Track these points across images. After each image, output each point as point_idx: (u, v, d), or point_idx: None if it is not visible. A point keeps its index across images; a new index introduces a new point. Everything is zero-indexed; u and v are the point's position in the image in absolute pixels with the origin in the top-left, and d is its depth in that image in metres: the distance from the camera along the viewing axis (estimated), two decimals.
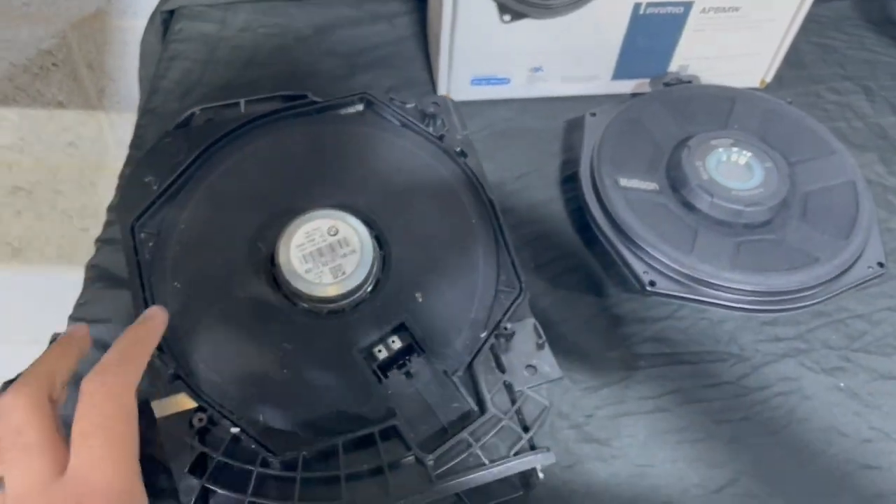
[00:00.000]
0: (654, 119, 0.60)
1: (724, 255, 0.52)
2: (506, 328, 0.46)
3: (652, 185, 0.56)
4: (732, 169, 0.56)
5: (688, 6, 0.62)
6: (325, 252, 0.46)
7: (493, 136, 0.67)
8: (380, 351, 0.46)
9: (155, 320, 0.42)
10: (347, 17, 0.75)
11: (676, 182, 0.56)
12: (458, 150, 0.52)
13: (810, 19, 0.79)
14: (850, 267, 0.53)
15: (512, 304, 0.47)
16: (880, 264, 0.53)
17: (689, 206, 0.55)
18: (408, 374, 0.46)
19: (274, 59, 0.71)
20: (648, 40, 0.65)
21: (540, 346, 0.46)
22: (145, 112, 0.66)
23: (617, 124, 0.60)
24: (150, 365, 0.42)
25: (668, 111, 0.61)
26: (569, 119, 0.67)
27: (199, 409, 0.43)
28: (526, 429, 0.44)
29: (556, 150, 0.66)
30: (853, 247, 0.53)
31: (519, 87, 0.68)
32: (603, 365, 0.53)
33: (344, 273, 0.46)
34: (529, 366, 0.46)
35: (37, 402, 0.35)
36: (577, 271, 0.58)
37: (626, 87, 0.69)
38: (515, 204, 0.61)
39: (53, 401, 0.37)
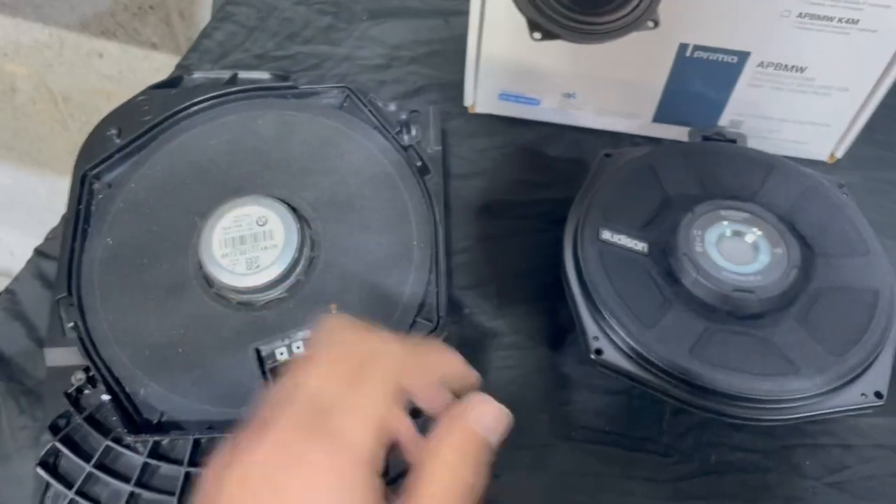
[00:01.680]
0: (673, 173, 0.54)
1: (687, 340, 0.46)
2: None
3: (640, 245, 0.51)
4: (736, 247, 0.50)
5: (743, 56, 0.55)
6: (247, 241, 0.45)
7: (508, 156, 0.63)
8: (282, 353, 0.45)
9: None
10: (407, 7, 0.73)
11: (666, 247, 0.50)
12: (419, 164, 0.49)
13: None
14: (838, 388, 0.45)
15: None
16: (878, 394, 0.45)
17: (672, 278, 0.49)
18: None
19: (318, 38, 0.70)
20: (697, 86, 0.58)
21: None
22: (178, 68, 0.67)
23: (628, 170, 0.55)
24: (55, 311, 0.43)
25: (691, 167, 0.55)
26: (597, 155, 0.62)
27: (87, 367, 0.43)
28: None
29: (567, 185, 0.61)
30: (846, 366, 0.45)
31: (549, 111, 0.63)
32: (530, 424, 0.48)
33: (258, 266, 0.44)
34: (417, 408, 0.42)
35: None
36: (540, 317, 0.53)
37: (670, 132, 0.62)
38: (499, 233, 0.57)
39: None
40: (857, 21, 0.52)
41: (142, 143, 0.49)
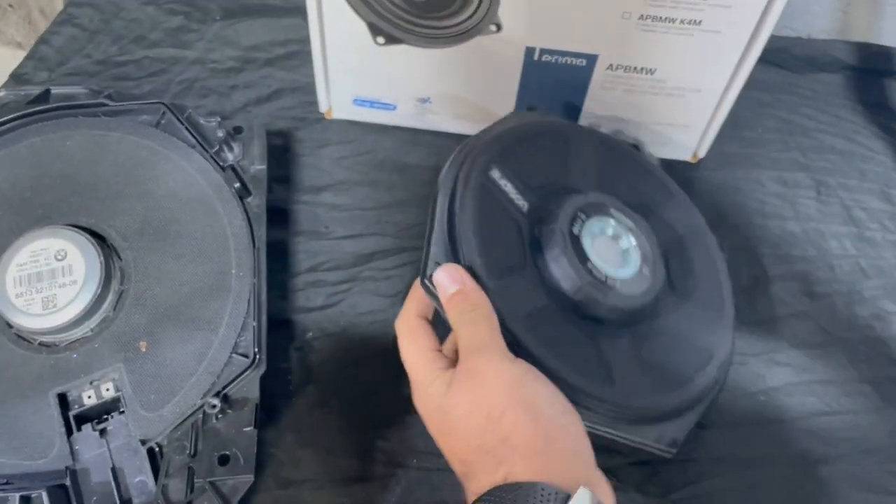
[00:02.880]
0: (584, 152, 0.50)
1: (524, 307, 0.42)
2: (214, 405, 0.40)
3: (522, 203, 0.45)
4: (608, 247, 0.45)
5: (591, 59, 0.54)
6: (44, 277, 0.42)
7: (365, 164, 0.60)
8: (90, 397, 0.42)
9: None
10: (265, 5, 0.70)
11: (546, 215, 0.45)
12: (237, 185, 0.46)
13: (787, 90, 0.69)
14: (642, 420, 0.43)
15: (239, 375, 0.41)
16: (673, 443, 0.43)
17: (538, 246, 0.44)
18: (102, 433, 0.41)
19: (166, 41, 0.66)
20: (549, 89, 0.56)
21: (250, 435, 0.40)
22: (12, 78, 0.63)
23: (542, 129, 0.50)
24: None
25: (600, 157, 0.50)
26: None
27: None
28: None
29: (427, 195, 0.58)
30: (659, 403, 0.43)
31: (407, 117, 0.61)
32: (368, 457, 0.46)
33: (55, 305, 0.41)
34: (224, 454, 0.40)
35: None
36: (390, 342, 0.51)
37: None
38: (351, 250, 0.55)
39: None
40: (700, 22, 0.50)
41: None
